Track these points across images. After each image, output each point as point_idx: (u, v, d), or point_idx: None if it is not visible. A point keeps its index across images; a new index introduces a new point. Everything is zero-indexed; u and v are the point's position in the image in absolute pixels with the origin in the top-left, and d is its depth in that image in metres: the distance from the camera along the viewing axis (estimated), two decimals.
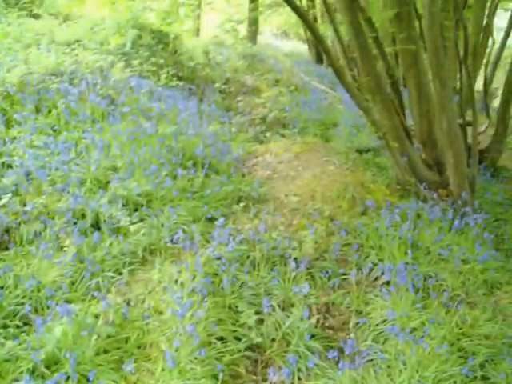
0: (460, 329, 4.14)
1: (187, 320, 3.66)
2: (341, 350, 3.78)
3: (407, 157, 6.75)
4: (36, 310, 3.89)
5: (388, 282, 4.60)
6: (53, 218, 4.82)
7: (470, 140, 6.90)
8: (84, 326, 3.56)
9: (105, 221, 4.86)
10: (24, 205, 5.03)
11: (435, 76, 5.88)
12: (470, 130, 6.91)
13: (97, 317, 3.78)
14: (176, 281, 4.18)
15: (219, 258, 4.43)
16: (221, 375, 3.31)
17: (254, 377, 3.72)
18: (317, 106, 9.98)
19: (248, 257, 4.68)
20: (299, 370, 3.69)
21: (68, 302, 3.91)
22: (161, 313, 3.94)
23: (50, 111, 6.44)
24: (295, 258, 4.64)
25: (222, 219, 4.85)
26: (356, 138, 8.49)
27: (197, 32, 15.91)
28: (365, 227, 5.32)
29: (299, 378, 3.65)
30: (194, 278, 4.11)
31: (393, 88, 7.51)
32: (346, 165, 6.67)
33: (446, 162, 6.55)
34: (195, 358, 3.42)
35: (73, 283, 4.20)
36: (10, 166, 5.53)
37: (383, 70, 7.43)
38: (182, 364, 3.38)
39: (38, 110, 6.45)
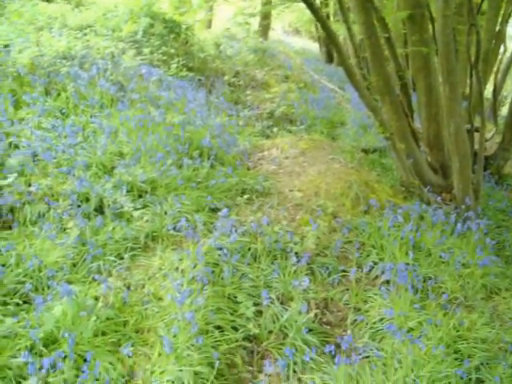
0: (457, 331, 4.15)
1: (186, 307, 3.66)
2: (337, 346, 3.79)
3: (413, 159, 6.75)
4: (36, 289, 3.91)
5: (387, 282, 4.61)
6: (57, 200, 4.84)
7: (476, 146, 6.90)
8: (83, 307, 3.57)
9: (108, 205, 4.87)
10: (29, 185, 5.05)
11: (445, 80, 5.87)
12: (476, 136, 6.91)
13: (96, 299, 3.79)
14: (177, 268, 4.19)
15: (221, 249, 4.43)
16: (217, 363, 3.32)
17: (250, 367, 3.73)
18: (325, 104, 9.98)
19: (249, 249, 4.69)
20: (295, 363, 3.69)
21: (69, 283, 3.92)
22: (160, 299, 3.96)
23: (59, 94, 6.45)
24: (296, 253, 4.65)
25: (225, 210, 4.85)
26: (362, 138, 8.49)
27: (209, 24, 15.88)
28: (367, 226, 5.33)
29: (294, 371, 3.66)
30: (194, 267, 4.12)
31: (402, 90, 7.52)
32: (352, 164, 6.68)
33: (451, 166, 6.55)
34: (192, 345, 3.44)
35: (74, 265, 4.22)
36: (16, 147, 5.55)
37: (393, 71, 7.43)
38: (179, 350, 3.39)
39: (47, 93, 6.45)
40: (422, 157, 7.11)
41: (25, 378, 3.14)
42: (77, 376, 3.14)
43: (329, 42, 7.31)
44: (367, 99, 6.24)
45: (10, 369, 3.18)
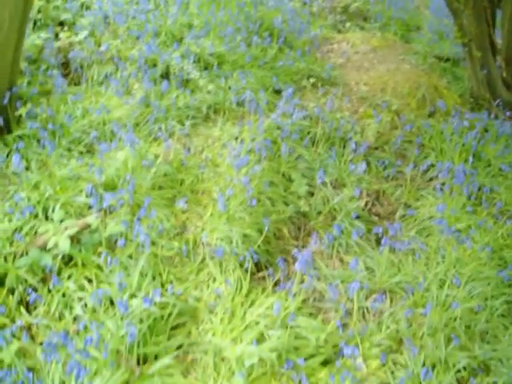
0: (504, 240, 4.12)
1: (242, 174, 3.74)
2: (384, 234, 3.82)
3: (487, 70, 6.46)
4: (100, 140, 4.05)
5: (443, 184, 4.56)
6: (125, 62, 4.89)
7: None
8: (145, 157, 3.70)
9: (174, 73, 4.90)
10: (99, 46, 5.11)
11: None
12: None
13: (156, 157, 3.91)
14: (236, 138, 4.25)
15: (280, 128, 4.44)
16: (266, 229, 3.40)
17: (295, 241, 3.84)
18: (403, 5, 9.49)
19: (309, 132, 4.68)
20: (340, 244, 3.77)
21: None
22: (217, 166, 4.05)
23: None
24: (355, 142, 4.61)
25: (290, 90, 4.79)
26: (437, 45, 8.12)
27: None
28: (430, 128, 5.21)
29: (338, 251, 3.75)
30: (253, 139, 4.16)
31: None
32: (423, 67, 6.46)
33: None
34: (244, 209, 3.54)
35: (137, 124, 4.33)
36: (88, 8, 5.58)
37: None
38: (231, 212, 3.50)
39: None
40: (496, 70, 6.79)
41: (84, 216, 3.33)
42: (132, 221, 3.29)
43: None
44: None
45: (71, 206, 3.37)
